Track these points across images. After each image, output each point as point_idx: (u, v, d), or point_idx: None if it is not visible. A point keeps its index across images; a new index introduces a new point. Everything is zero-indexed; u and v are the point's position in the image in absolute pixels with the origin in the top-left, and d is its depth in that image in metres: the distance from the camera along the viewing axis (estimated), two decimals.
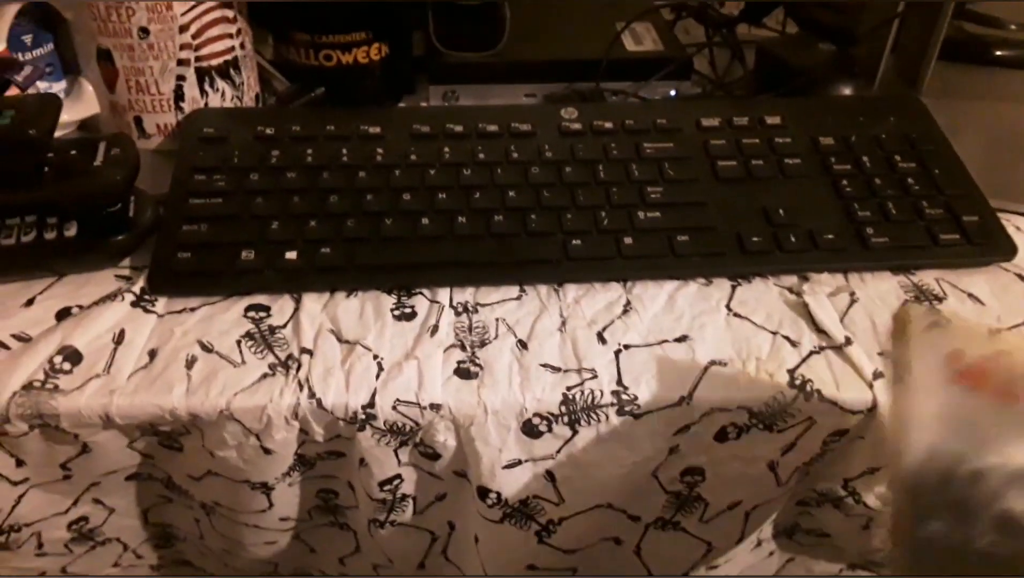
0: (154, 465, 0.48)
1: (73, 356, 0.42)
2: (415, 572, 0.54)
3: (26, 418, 0.41)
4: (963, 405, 0.32)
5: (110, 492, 0.49)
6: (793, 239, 0.49)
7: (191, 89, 0.54)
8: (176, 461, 0.46)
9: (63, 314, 0.45)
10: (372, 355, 0.43)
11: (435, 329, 0.44)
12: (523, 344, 0.44)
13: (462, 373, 0.42)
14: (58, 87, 0.58)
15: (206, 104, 0.55)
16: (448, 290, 0.47)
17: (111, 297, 0.45)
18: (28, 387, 0.41)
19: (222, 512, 0.50)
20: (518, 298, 0.47)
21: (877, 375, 0.43)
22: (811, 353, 0.44)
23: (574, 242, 0.48)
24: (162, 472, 0.49)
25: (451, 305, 0.46)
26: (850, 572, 0.57)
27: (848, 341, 0.44)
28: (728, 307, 0.47)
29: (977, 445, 0.31)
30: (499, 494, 0.44)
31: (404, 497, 0.47)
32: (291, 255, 0.47)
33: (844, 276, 0.49)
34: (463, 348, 0.44)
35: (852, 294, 0.47)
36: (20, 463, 0.44)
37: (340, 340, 0.44)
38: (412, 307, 0.46)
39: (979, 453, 0.31)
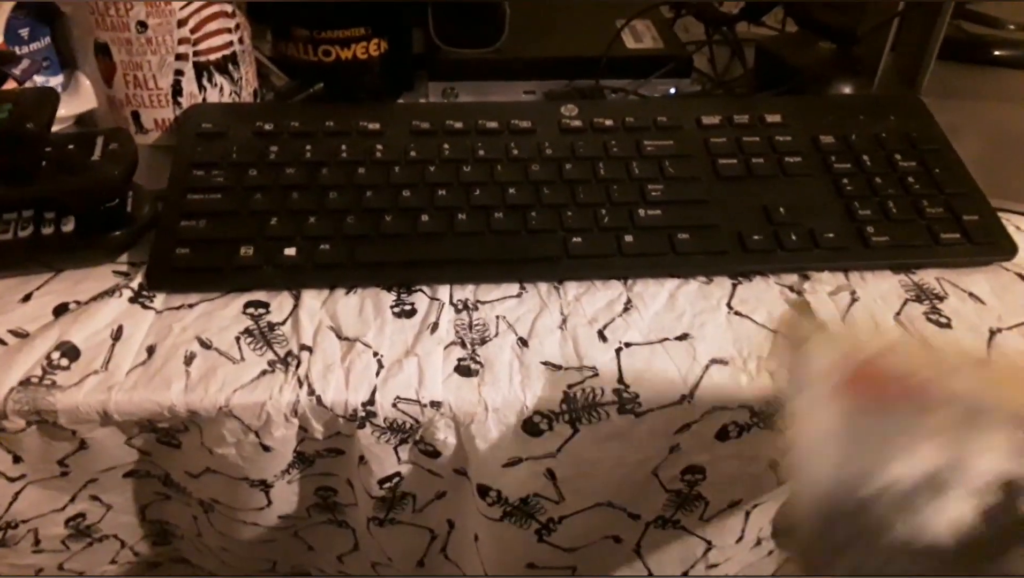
0: (152, 462, 0.48)
1: (71, 352, 0.42)
2: (414, 570, 0.53)
3: (23, 414, 0.40)
4: (861, 417, 0.29)
5: (108, 489, 0.49)
6: (794, 238, 0.49)
7: (189, 84, 0.54)
8: (174, 458, 0.46)
9: (61, 310, 0.44)
10: (372, 352, 0.43)
11: (435, 326, 0.44)
12: (524, 342, 0.44)
13: (462, 370, 0.42)
14: (55, 81, 0.57)
15: (204, 99, 0.55)
16: (448, 287, 0.47)
17: (109, 293, 0.45)
18: (25, 383, 0.40)
19: (220, 510, 0.50)
20: (518, 296, 0.47)
21: None
22: None
23: (574, 240, 0.48)
24: (160, 469, 0.49)
25: (451, 302, 0.46)
26: None
27: None
28: (729, 305, 0.46)
29: (878, 459, 0.28)
30: (499, 492, 0.44)
31: (404, 495, 0.47)
32: (290, 251, 0.46)
33: (845, 275, 0.49)
34: (463, 345, 0.44)
35: (853, 293, 0.47)
36: (17, 459, 0.44)
37: (340, 337, 0.44)
38: (412, 304, 0.46)
39: (880, 468, 0.28)
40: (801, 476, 0.29)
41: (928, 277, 0.49)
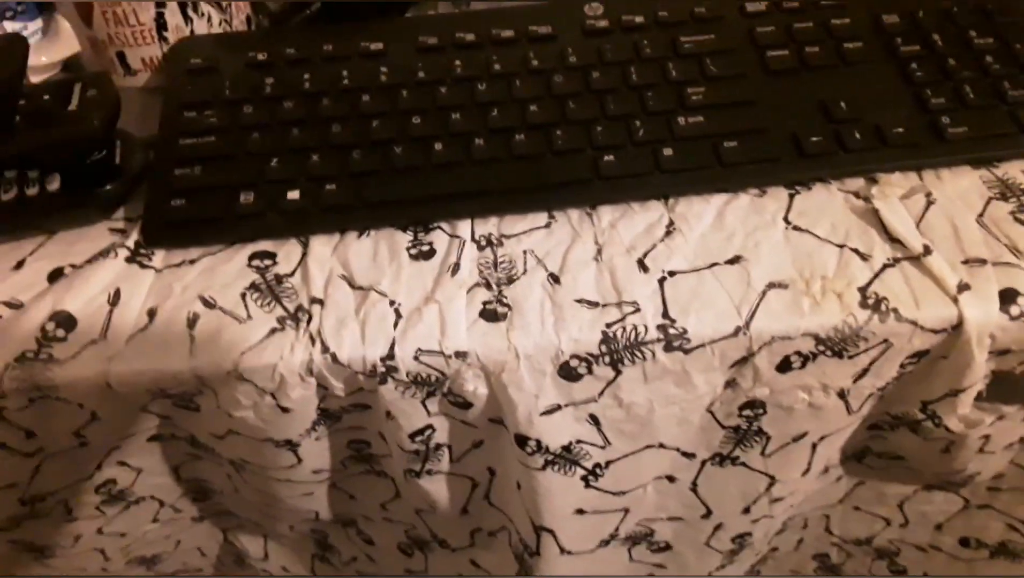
0: (174, 425, 0.45)
1: (66, 322, 0.39)
2: (458, 516, 0.51)
3: (23, 392, 0.38)
4: None
5: (133, 454, 0.47)
6: (858, 136, 0.43)
7: (173, 16, 0.49)
8: (195, 421, 0.44)
9: (55, 275, 0.41)
10: (388, 301, 0.39)
11: (456, 267, 0.40)
12: (555, 278, 0.40)
13: (488, 315, 0.38)
14: (33, 27, 0.53)
15: (191, 32, 0.50)
16: (469, 222, 0.43)
17: (104, 254, 0.42)
18: (21, 359, 0.38)
19: (251, 469, 0.47)
20: (547, 226, 0.42)
21: (962, 287, 0.37)
22: (885, 267, 0.39)
23: (606, 158, 0.43)
24: (184, 431, 0.46)
25: (473, 239, 0.42)
26: (926, 493, 0.53)
27: (927, 250, 0.39)
28: (786, 220, 0.41)
29: None
30: (539, 441, 0.40)
31: (438, 446, 0.44)
32: (294, 195, 0.42)
33: (918, 175, 0.43)
34: (488, 287, 0.39)
35: (928, 195, 0.42)
36: (30, 434, 0.42)
37: (353, 286, 0.40)
38: (430, 244, 0.42)
39: None
40: None
41: (1013, 170, 0.43)
